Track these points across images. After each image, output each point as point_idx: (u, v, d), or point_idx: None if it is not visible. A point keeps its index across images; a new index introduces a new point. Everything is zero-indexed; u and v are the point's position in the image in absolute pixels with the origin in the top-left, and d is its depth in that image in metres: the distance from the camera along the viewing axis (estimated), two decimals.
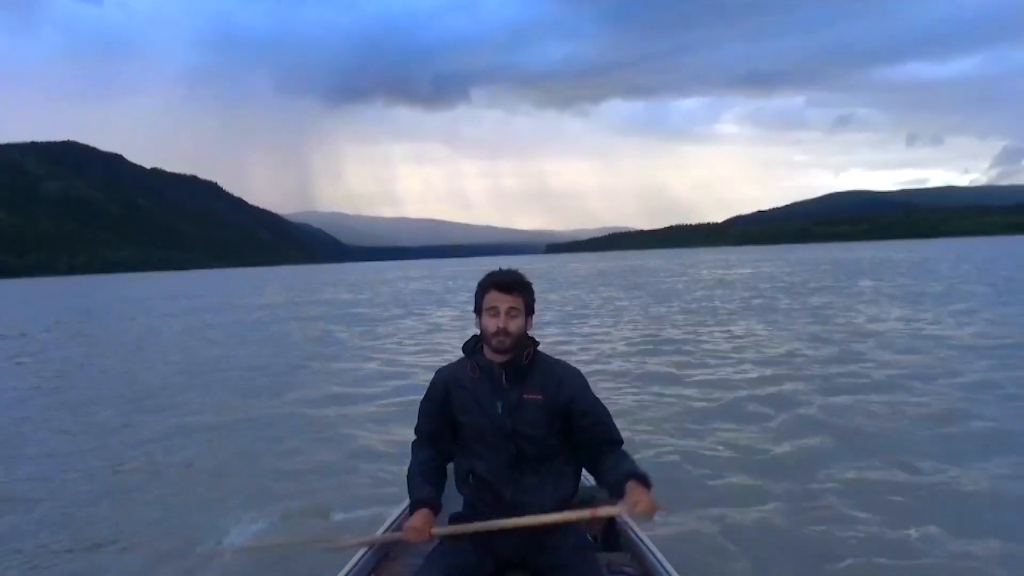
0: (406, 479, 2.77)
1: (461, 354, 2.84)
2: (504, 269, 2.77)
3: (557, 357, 2.85)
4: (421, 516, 2.58)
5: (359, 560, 2.83)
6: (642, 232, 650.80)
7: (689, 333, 15.70)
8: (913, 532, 4.67)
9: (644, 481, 2.47)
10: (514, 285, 2.68)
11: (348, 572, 2.80)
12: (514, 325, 2.65)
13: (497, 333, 2.64)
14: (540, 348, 2.80)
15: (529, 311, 2.74)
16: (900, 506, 5.14)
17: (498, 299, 2.66)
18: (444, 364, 2.91)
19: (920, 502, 5.18)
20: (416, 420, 2.85)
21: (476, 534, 2.60)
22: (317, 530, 4.98)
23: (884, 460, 6.12)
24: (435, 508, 2.64)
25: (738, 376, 10.39)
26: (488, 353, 2.72)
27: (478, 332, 2.78)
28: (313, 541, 3.17)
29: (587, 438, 2.67)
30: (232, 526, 5.04)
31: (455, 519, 2.75)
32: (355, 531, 4.26)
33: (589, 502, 3.28)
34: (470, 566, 2.59)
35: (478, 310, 2.74)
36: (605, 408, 2.74)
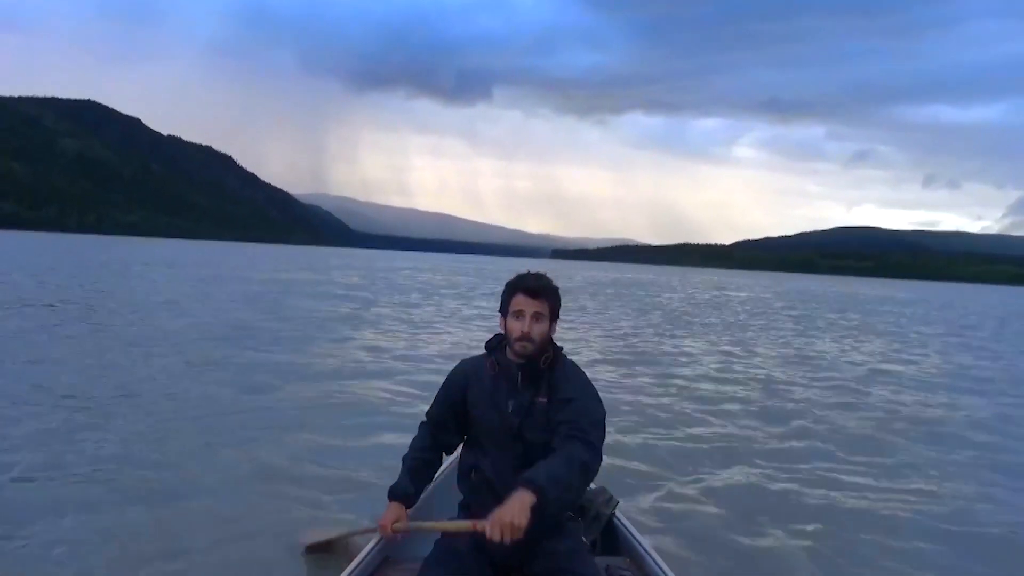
0: (402, 458, 2.87)
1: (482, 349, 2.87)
2: (532, 272, 2.76)
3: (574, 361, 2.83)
4: (391, 512, 2.70)
5: (358, 565, 2.86)
6: (649, 247, 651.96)
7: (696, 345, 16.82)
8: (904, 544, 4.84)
9: (537, 491, 2.33)
10: (541, 290, 2.68)
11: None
12: (538, 330, 2.66)
13: (521, 337, 2.66)
14: (565, 353, 2.80)
15: (554, 316, 2.74)
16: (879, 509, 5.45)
17: (524, 303, 2.66)
18: (466, 357, 2.93)
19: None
20: (430, 404, 2.91)
21: (473, 539, 2.60)
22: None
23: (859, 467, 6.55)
24: (408, 503, 2.75)
25: (729, 378, 11.41)
26: (509, 353, 2.74)
27: (502, 331, 2.78)
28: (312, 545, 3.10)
29: (559, 425, 2.60)
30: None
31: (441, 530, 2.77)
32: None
33: (587, 507, 3.26)
34: (467, 570, 2.59)
35: (504, 311, 2.74)
36: (596, 411, 2.66)
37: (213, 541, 4.34)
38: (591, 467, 2.51)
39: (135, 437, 6.38)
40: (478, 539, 2.54)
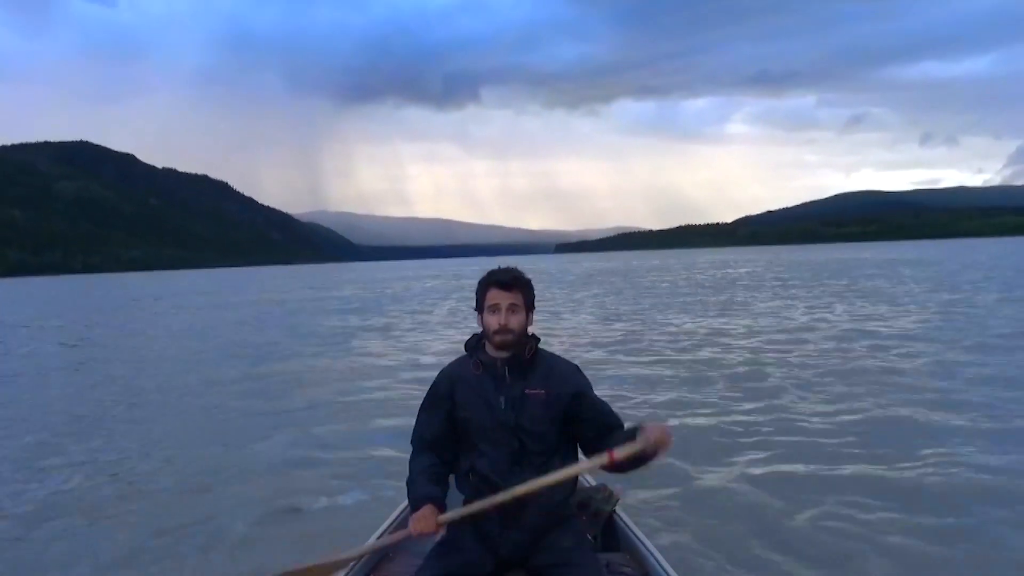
0: (406, 486, 2.72)
1: (462, 351, 2.88)
2: (503, 267, 2.80)
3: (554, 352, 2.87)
4: (427, 508, 2.55)
5: (358, 561, 2.82)
6: (651, 232, 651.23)
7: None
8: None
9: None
10: (513, 282, 2.71)
11: (347, 573, 2.78)
12: (515, 321, 2.68)
13: (499, 330, 2.67)
14: (540, 344, 2.83)
15: (529, 307, 2.76)
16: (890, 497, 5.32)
17: (498, 296, 2.69)
18: (444, 365, 2.91)
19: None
20: (413, 429, 2.84)
21: (477, 531, 2.65)
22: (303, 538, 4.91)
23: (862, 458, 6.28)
24: (440, 506, 2.61)
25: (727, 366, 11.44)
26: (490, 350, 2.75)
27: (479, 330, 2.81)
28: (311, 570, 2.80)
29: (593, 430, 2.69)
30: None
31: (454, 522, 2.75)
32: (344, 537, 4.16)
33: (587, 503, 3.27)
34: (470, 565, 2.59)
35: (479, 308, 2.77)
36: (604, 401, 2.78)
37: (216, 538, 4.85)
38: None
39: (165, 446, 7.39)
40: (482, 533, 2.65)
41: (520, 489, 2.48)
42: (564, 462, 2.71)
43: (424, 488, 2.65)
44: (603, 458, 2.45)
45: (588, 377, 2.82)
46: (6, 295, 61.37)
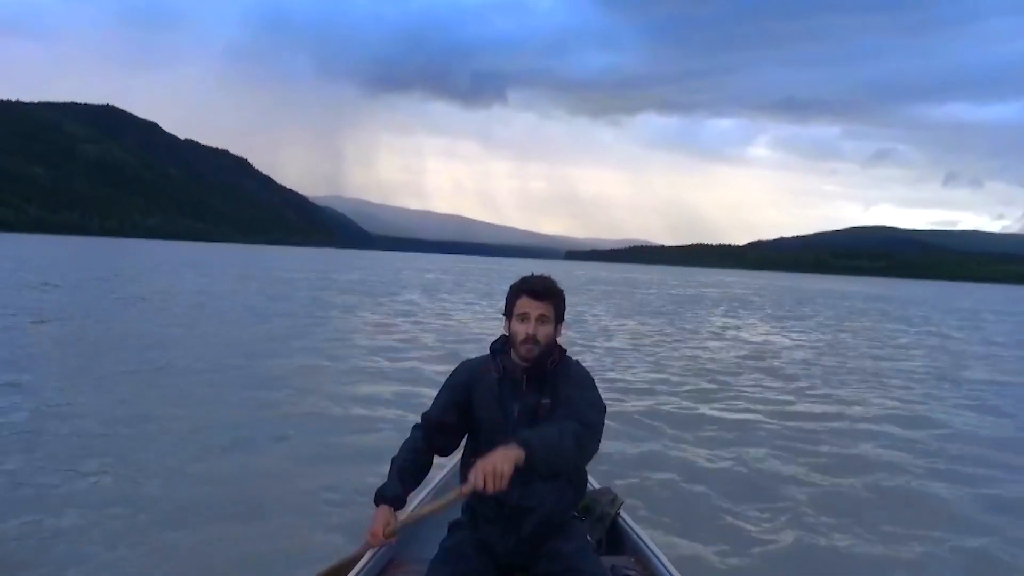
0: (391, 460, 2.78)
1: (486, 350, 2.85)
2: (537, 275, 2.76)
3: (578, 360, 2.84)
4: (380, 517, 2.60)
5: (362, 569, 2.80)
6: (662, 247, 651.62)
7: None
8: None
9: (523, 445, 2.38)
10: (546, 292, 2.68)
11: None
12: (543, 332, 2.66)
13: (526, 340, 2.65)
14: (568, 354, 2.81)
15: (559, 319, 2.74)
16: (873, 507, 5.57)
17: (529, 305, 2.66)
18: (470, 358, 2.91)
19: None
20: (430, 405, 2.85)
21: (478, 539, 2.66)
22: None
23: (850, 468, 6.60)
24: (397, 505, 2.67)
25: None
26: (514, 356, 2.72)
27: (506, 334, 2.77)
28: None
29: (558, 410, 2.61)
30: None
31: (454, 527, 2.77)
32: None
33: (591, 507, 3.27)
34: (472, 572, 2.58)
35: (508, 314, 2.74)
36: (594, 398, 2.69)
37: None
38: (584, 441, 2.52)
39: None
40: (483, 540, 2.65)
41: (471, 481, 2.38)
42: (572, 476, 2.73)
43: (390, 485, 2.68)
44: (455, 493, 2.48)
45: (598, 389, 2.74)
46: (61, 253, 63.59)
